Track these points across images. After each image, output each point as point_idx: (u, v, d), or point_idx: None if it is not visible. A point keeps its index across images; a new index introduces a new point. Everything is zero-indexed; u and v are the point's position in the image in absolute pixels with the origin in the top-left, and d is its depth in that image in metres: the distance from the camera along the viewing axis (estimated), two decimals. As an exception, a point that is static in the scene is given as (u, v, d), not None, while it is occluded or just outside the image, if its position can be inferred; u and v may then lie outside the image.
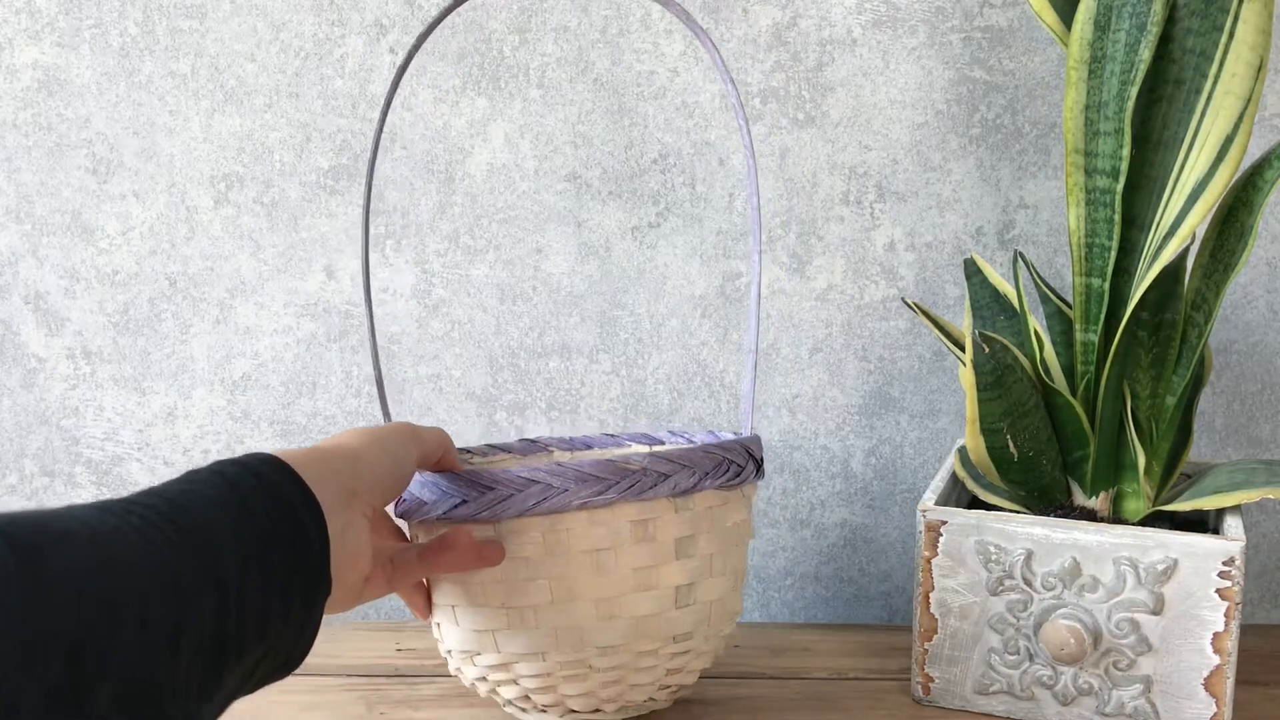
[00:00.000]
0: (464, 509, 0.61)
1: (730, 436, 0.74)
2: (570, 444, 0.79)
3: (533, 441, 0.78)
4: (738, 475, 0.65)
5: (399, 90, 0.83)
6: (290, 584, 0.48)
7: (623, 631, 0.63)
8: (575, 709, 0.66)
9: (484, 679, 0.66)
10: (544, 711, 0.67)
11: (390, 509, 0.66)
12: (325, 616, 0.52)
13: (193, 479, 0.47)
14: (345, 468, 0.54)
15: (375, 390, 0.88)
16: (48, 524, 0.39)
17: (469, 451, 0.77)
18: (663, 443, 0.78)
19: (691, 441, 0.77)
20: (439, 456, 0.62)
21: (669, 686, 0.67)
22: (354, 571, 0.54)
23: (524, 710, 0.68)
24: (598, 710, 0.67)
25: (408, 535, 0.67)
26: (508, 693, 0.66)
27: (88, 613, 0.38)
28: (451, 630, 0.66)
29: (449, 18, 0.82)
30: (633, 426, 0.87)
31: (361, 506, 0.55)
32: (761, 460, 0.68)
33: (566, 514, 0.61)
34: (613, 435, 0.79)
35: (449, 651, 0.68)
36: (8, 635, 0.35)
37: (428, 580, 0.66)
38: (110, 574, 0.39)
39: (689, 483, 0.62)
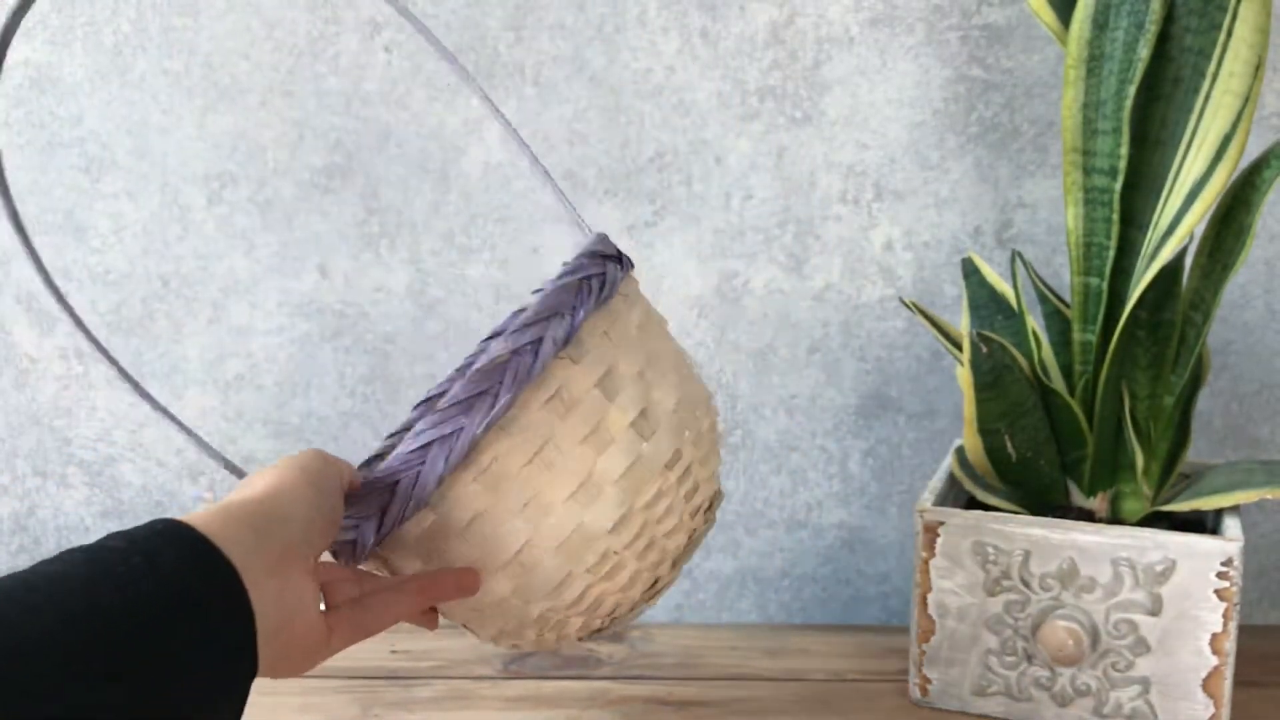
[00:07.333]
0: (390, 517, 0.54)
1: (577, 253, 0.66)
2: (451, 380, 0.72)
3: (425, 401, 0.72)
4: (604, 285, 0.56)
5: (394, 87, 0.83)
6: (188, 676, 0.42)
7: (617, 500, 0.56)
8: (639, 594, 0.60)
9: (541, 635, 0.61)
10: (615, 618, 0.61)
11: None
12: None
13: (66, 562, 0.42)
14: (273, 518, 0.48)
15: (371, 390, 0.88)
16: None
17: (379, 456, 0.70)
18: (524, 309, 0.67)
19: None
20: (349, 481, 0.56)
21: (701, 506, 0.61)
22: (302, 635, 0.49)
23: (595, 630, 0.62)
24: (656, 581, 0.61)
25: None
26: (573, 628, 0.60)
27: None
28: (482, 624, 0.60)
29: (443, 14, 0.82)
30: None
31: (298, 561, 0.48)
32: (619, 253, 0.59)
33: (482, 447, 0.53)
34: (488, 338, 0.72)
35: (494, 638, 0.62)
36: None
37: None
38: None
39: (566, 328, 0.54)
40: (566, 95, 0.83)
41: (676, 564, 0.61)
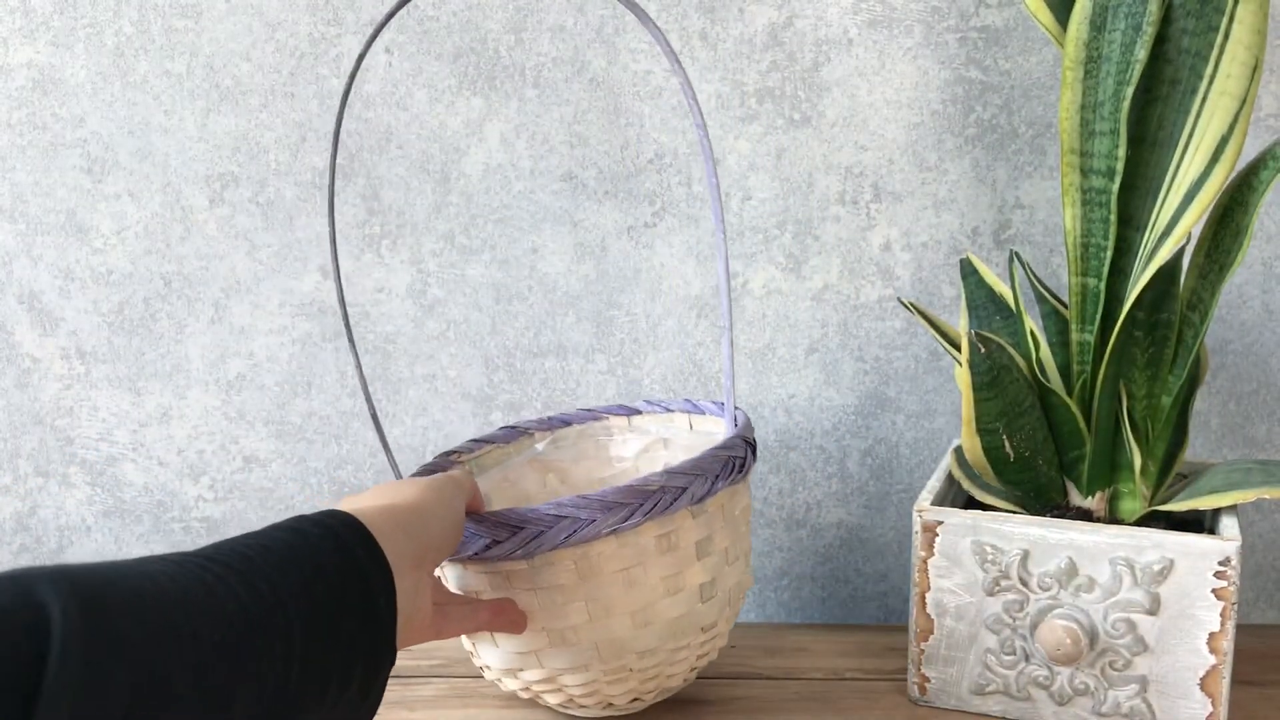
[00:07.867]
0: (497, 549, 0.62)
1: (710, 405, 0.78)
2: (549, 423, 0.81)
3: (513, 428, 0.81)
4: (742, 468, 0.67)
5: (395, 88, 0.83)
6: (355, 649, 0.49)
7: (658, 634, 0.65)
8: (615, 703, 0.69)
9: (527, 689, 0.69)
10: (585, 708, 0.69)
11: None
12: None
13: (271, 536, 0.49)
14: (416, 526, 0.56)
15: (372, 390, 0.88)
16: (117, 582, 0.41)
17: (455, 453, 0.77)
18: (639, 412, 0.81)
19: (669, 409, 0.80)
20: (471, 493, 0.64)
21: (698, 668, 0.71)
22: (416, 625, 0.56)
23: (565, 708, 0.70)
24: (636, 700, 0.70)
25: None
26: (552, 699, 0.69)
27: (140, 684, 0.39)
28: (490, 651, 0.68)
29: (444, 16, 0.82)
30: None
31: (430, 564, 0.57)
32: (755, 443, 0.70)
33: (597, 542, 0.62)
34: (589, 410, 0.82)
35: (486, 667, 0.70)
36: (64, 701, 0.36)
37: None
38: (168, 644, 0.40)
39: (704, 489, 0.64)
40: (567, 97, 0.83)
41: (658, 695, 0.70)
